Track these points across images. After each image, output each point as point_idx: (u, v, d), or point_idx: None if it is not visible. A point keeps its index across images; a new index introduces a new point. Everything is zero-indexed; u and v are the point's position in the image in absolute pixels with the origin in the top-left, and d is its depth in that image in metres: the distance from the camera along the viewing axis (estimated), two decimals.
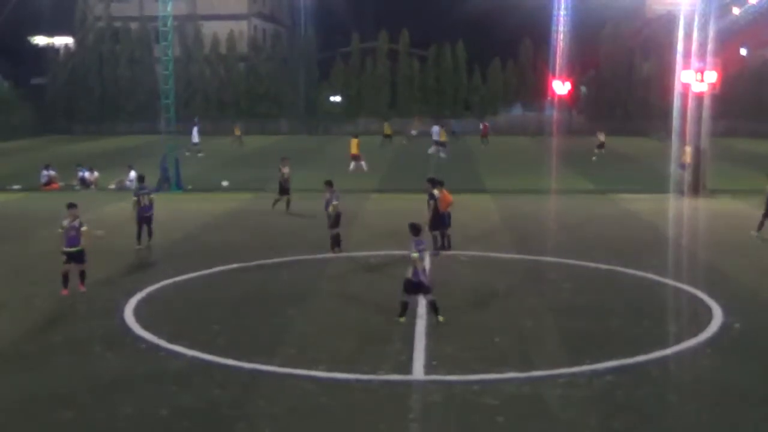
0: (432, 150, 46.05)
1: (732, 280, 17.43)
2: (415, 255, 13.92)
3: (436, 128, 47.42)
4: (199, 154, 47.41)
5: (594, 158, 43.93)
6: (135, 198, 20.91)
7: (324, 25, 70.95)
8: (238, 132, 55.68)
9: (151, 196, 21.23)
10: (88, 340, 13.21)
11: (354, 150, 39.24)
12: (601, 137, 45.75)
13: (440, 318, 13.98)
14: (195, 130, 50.01)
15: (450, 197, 20.79)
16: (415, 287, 13.99)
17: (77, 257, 16.32)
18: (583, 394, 10.91)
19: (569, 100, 61.17)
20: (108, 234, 23.12)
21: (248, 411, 10.38)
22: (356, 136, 40.23)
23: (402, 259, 19.44)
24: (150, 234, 21.02)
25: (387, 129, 54.68)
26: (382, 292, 16.45)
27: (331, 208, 20.08)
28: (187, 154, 47.69)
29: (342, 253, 19.91)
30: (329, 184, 20.58)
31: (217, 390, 11.02)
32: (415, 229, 14.48)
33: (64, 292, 15.82)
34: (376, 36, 69.62)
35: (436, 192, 19.91)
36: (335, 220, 20.15)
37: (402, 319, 14.10)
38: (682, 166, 35.29)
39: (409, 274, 14.03)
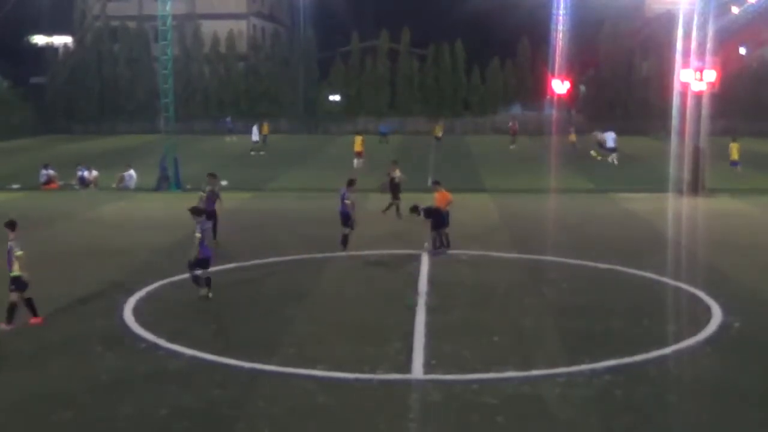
0: (611, 158, 42.59)
1: (731, 279, 17.44)
2: (198, 235, 15.56)
3: (611, 134, 43.34)
4: (261, 153, 47.95)
5: (610, 160, 42.00)
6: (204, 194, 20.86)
7: (323, 25, 70.95)
8: (266, 130, 55.58)
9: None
10: (87, 340, 13.21)
11: (358, 147, 39.84)
12: (599, 136, 44.46)
13: (209, 293, 15.49)
14: (254, 129, 50.83)
15: (449, 196, 20.82)
16: (198, 263, 15.60)
17: (16, 285, 13.88)
18: (583, 393, 10.91)
19: (568, 99, 61.12)
20: (107, 233, 23.20)
21: (248, 411, 10.38)
22: (360, 134, 41.24)
23: (402, 258, 19.51)
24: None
25: (437, 130, 53.87)
26: (382, 291, 16.47)
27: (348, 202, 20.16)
28: (252, 153, 47.81)
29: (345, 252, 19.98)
30: (351, 182, 20.61)
31: (217, 390, 11.02)
32: (197, 212, 16.14)
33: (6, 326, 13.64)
34: (376, 35, 69.64)
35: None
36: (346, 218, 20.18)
37: (204, 292, 15.47)
38: (734, 163, 36.06)
39: (195, 251, 15.61)
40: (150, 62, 64.16)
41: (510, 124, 57.72)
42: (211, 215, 20.35)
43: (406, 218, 24.89)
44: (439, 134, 54.44)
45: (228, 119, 62.79)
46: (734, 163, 36.33)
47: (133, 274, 17.78)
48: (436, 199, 20.88)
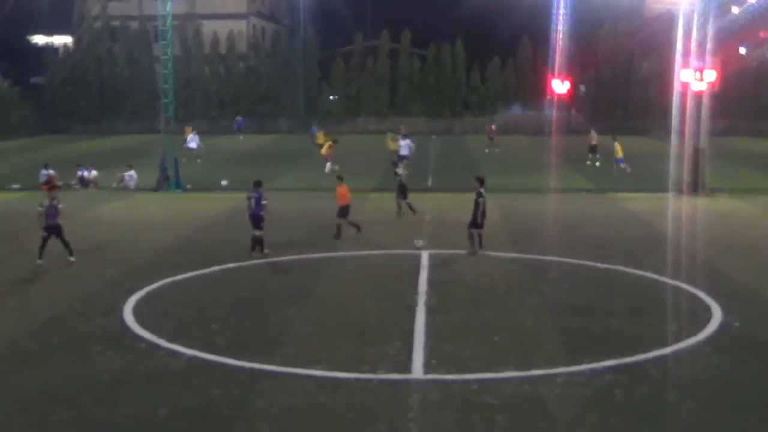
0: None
1: (731, 278, 17.43)
2: None
3: (406, 142, 39.51)
4: (198, 160, 43.65)
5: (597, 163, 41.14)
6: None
7: (323, 25, 71.00)
8: (189, 131, 48.05)
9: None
10: (87, 340, 13.21)
11: (325, 150, 38.94)
12: (594, 140, 42.54)
13: None
14: (192, 136, 45.62)
15: (348, 193, 21.68)
16: None
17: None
18: (583, 393, 10.91)
19: (568, 99, 61.08)
20: (107, 234, 23.20)
21: (248, 411, 10.39)
22: (335, 140, 39.78)
23: (402, 258, 19.51)
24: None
25: (320, 138, 47.60)
26: (382, 291, 16.47)
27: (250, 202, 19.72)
28: (198, 161, 43.80)
29: (265, 256, 19.46)
30: (257, 184, 20.07)
31: (217, 390, 11.02)
32: None
33: None
34: (375, 35, 69.66)
35: (482, 190, 19.77)
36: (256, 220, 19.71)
37: None
38: (620, 161, 37.34)
39: None
40: (150, 62, 64.12)
41: (487, 127, 56.05)
42: (55, 228, 18.66)
43: (408, 219, 24.92)
44: (321, 141, 44.95)
45: (239, 119, 63.01)
46: (619, 161, 37.61)
47: (133, 274, 17.78)
48: (337, 194, 21.79)
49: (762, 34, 59.82)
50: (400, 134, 42.82)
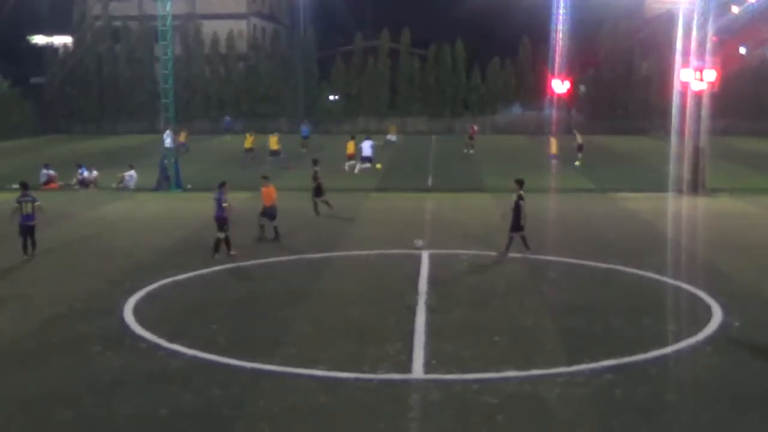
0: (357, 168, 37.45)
1: (731, 278, 17.43)
2: None
3: (369, 143, 38.49)
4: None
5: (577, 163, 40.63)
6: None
7: (323, 25, 70.97)
8: (183, 138, 45.96)
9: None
10: (87, 340, 13.22)
11: (350, 150, 38.81)
12: (579, 139, 41.76)
13: None
14: (168, 134, 39.07)
15: (274, 194, 21.62)
16: None
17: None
18: (583, 392, 10.92)
19: (568, 99, 61.06)
20: (107, 234, 23.20)
21: (248, 411, 10.39)
22: (353, 137, 39.67)
23: (402, 258, 19.51)
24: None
25: (248, 142, 44.27)
26: (382, 291, 16.47)
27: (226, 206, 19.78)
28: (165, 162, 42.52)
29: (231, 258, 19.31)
30: (222, 184, 20.20)
31: (217, 390, 11.02)
32: None
33: None
34: (375, 35, 69.64)
35: (522, 192, 19.55)
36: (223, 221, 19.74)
37: None
38: (553, 157, 39.79)
39: None
40: (151, 62, 64.08)
41: (468, 127, 55.31)
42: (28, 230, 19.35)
43: (412, 219, 24.93)
44: (250, 146, 43.18)
45: (228, 118, 62.91)
46: (552, 157, 40.09)
47: (133, 274, 17.78)
48: (262, 194, 21.62)
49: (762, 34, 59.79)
50: (373, 137, 43.34)
